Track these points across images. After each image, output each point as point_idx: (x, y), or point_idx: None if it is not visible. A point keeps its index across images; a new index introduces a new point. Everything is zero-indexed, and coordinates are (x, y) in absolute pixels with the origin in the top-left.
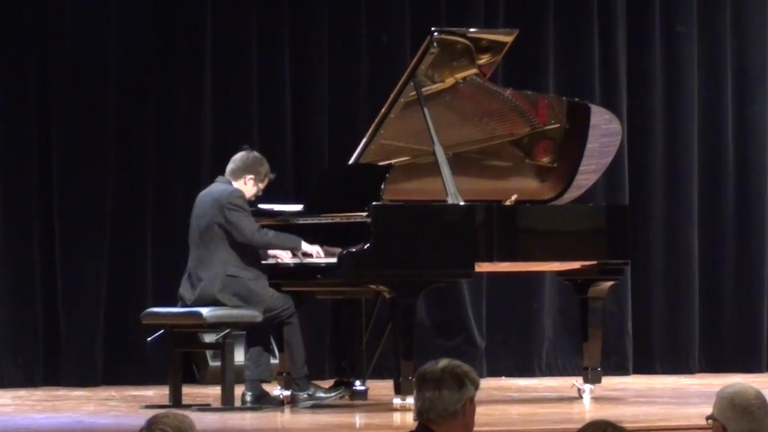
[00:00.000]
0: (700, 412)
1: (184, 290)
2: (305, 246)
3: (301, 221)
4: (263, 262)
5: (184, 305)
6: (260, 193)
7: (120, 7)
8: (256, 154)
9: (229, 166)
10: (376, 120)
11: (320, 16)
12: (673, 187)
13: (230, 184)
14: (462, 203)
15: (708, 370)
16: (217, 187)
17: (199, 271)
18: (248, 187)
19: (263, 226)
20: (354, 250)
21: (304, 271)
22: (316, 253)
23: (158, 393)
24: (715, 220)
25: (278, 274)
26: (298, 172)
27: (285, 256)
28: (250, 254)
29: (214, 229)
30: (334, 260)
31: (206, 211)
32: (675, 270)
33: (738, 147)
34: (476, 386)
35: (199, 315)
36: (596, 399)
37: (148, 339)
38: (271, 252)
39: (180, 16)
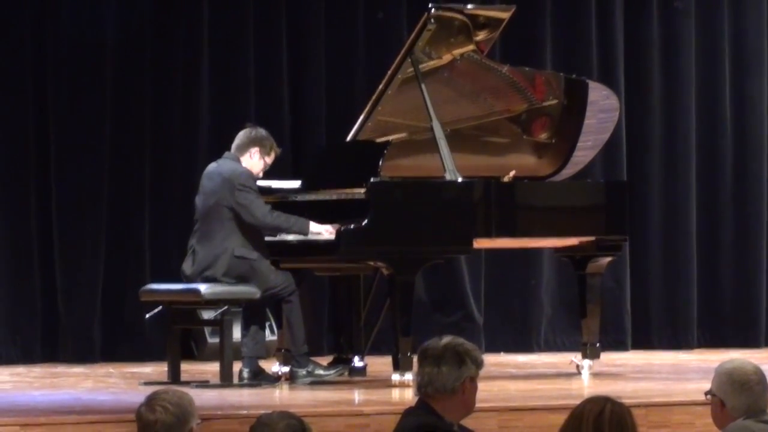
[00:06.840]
0: (699, 387)
1: (186, 265)
2: (314, 227)
3: (299, 198)
4: (268, 238)
5: (187, 279)
6: (267, 168)
7: None
8: (260, 129)
9: (235, 142)
10: (374, 97)
11: None
12: (671, 163)
13: (237, 160)
14: (460, 179)
15: (706, 346)
16: (225, 165)
17: (199, 247)
18: (254, 161)
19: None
20: (352, 226)
21: (302, 248)
22: (327, 233)
23: (157, 370)
24: (714, 196)
25: (276, 251)
26: (296, 148)
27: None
28: (257, 235)
29: (221, 209)
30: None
31: (215, 190)
32: (673, 245)
33: (736, 122)
34: (478, 365)
35: (197, 292)
36: (595, 375)
37: (147, 316)
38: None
39: None
